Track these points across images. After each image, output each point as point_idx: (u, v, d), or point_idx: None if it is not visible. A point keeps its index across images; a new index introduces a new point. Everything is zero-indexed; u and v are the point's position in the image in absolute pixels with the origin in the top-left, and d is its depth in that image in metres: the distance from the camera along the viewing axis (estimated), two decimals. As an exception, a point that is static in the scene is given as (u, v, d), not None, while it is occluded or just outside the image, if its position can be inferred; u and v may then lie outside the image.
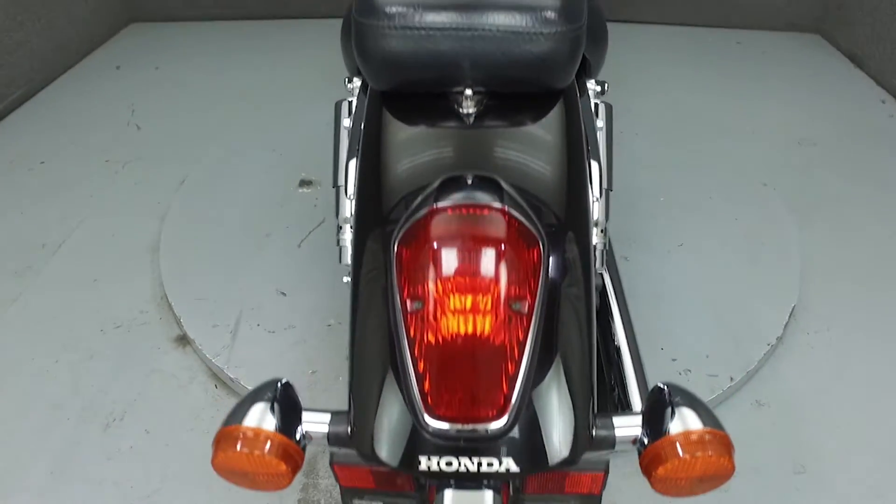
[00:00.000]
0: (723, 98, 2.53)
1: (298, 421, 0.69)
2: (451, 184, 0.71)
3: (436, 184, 0.72)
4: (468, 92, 0.82)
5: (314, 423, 0.70)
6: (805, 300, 1.69)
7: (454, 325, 0.64)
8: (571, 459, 0.66)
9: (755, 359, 1.51)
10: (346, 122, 1.12)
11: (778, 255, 1.78)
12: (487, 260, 0.65)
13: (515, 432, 0.64)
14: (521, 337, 0.65)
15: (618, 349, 1.15)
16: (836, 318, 1.66)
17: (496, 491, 0.67)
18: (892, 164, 2.18)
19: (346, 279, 1.13)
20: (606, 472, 0.72)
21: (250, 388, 1.41)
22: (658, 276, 1.71)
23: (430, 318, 0.64)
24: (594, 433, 0.69)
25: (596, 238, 0.97)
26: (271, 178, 2.04)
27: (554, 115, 0.85)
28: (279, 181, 2.03)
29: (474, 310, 0.64)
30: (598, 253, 0.99)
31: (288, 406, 0.69)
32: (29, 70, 2.47)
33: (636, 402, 1.06)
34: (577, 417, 0.67)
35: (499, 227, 0.67)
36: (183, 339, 1.60)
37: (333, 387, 1.45)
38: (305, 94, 2.49)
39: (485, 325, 0.64)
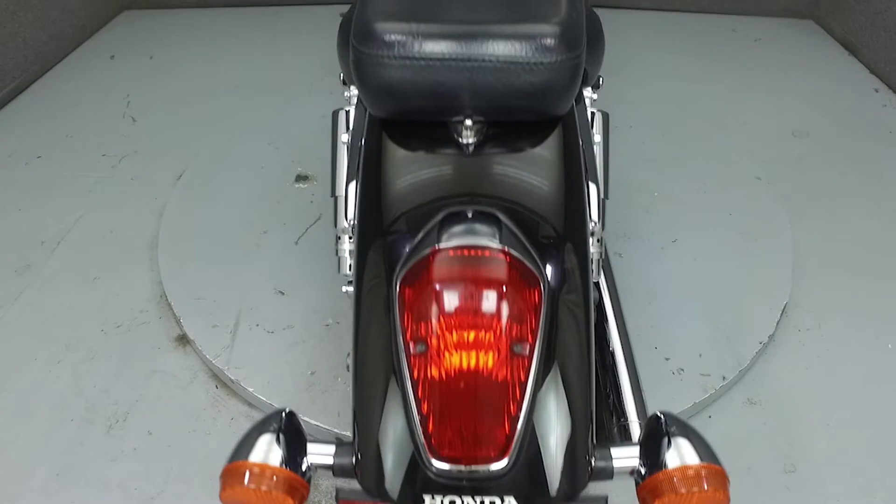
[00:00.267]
0: (717, 87, 2.53)
1: (303, 452, 0.71)
2: (453, 219, 0.72)
3: (438, 218, 0.73)
4: (468, 122, 0.83)
5: (319, 454, 0.72)
6: (796, 296, 1.71)
7: (457, 367, 0.66)
8: (572, 494, 0.68)
9: (747, 357, 1.54)
10: (345, 136, 1.12)
11: (770, 251, 1.80)
12: (489, 303, 0.67)
13: (517, 469, 0.66)
14: (522, 378, 0.67)
15: (613, 354, 1.17)
16: (828, 314, 1.69)
17: None
18: (885, 156, 2.19)
19: (345, 288, 1.15)
20: None
21: (251, 389, 1.46)
22: (652, 273, 1.73)
23: (434, 360, 0.66)
24: (593, 464, 0.71)
25: (592, 248, 0.99)
26: (268, 173, 2.05)
27: (552, 141, 0.86)
28: (276, 176, 2.04)
29: (477, 353, 0.66)
30: (594, 263, 1.01)
31: (293, 438, 0.71)
32: (23, 61, 2.45)
33: (631, 410, 1.08)
34: (576, 450, 0.69)
35: (500, 269, 0.68)
36: (183, 339, 1.62)
37: (332, 388, 1.47)
38: (302, 84, 2.48)
39: (487, 367, 0.66)
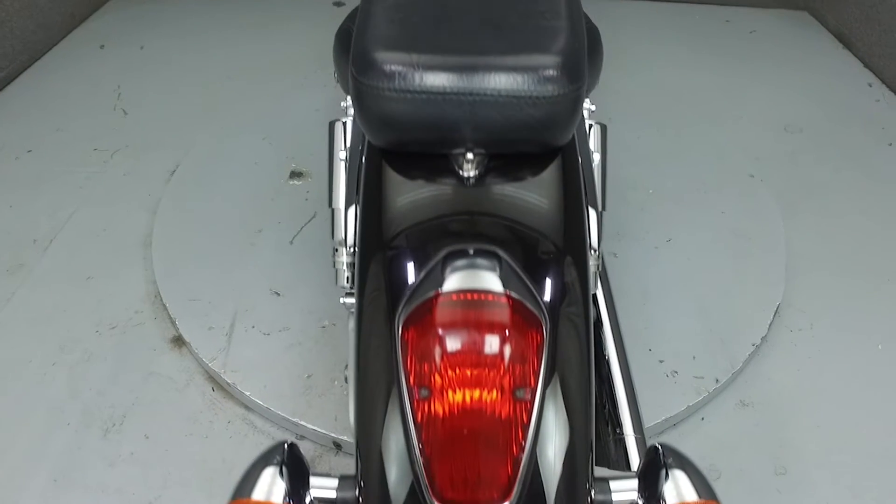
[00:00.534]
0: (711, 80, 2.53)
1: (306, 486, 0.72)
2: (455, 258, 0.72)
3: (440, 256, 0.73)
4: (469, 156, 0.83)
5: (322, 488, 0.73)
6: (789, 296, 1.73)
7: (460, 412, 0.66)
8: None
9: (740, 360, 1.56)
10: (342, 153, 1.11)
11: (764, 250, 1.81)
12: (492, 348, 0.67)
13: None
14: (525, 419, 0.67)
15: (608, 364, 1.18)
16: (820, 314, 1.71)
17: None
18: (878, 152, 2.21)
19: (343, 300, 1.15)
20: None
21: (247, 393, 1.46)
22: (646, 272, 1.74)
23: (437, 404, 0.67)
24: (593, 495, 0.72)
25: (591, 262, 0.99)
26: (262, 169, 2.04)
27: (553, 171, 0.86)
28: (270, 172, 2.03)
29: (480, 398, 0.66)
30: (591, 275, 1.01)
31: (296, 471, 0.71)
32: (10, 51, 2.41)
33: (627, 423, 1.09)
34: (577, 485, 0.70)
35: (502, 314, 0.69)
36: (178, 340, 1.62)
37: (329, 391, 1.48)
38: (296, 76, 2.46)
39: (490, 412, 0.67)
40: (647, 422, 1.43)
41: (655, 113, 2.30)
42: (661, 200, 1.95)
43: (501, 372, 0.67)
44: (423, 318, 0.70)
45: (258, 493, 0.68)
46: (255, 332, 1.58)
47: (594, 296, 1.21)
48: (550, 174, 0.86)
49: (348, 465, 1.41)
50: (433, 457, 0.67)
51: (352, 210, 0.98)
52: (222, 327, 1.59)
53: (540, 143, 0.84)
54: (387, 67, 0.78)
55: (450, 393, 0.67)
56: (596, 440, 1.13)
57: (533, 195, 0.83)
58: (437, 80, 0.77)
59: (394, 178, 0.85)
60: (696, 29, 2.85)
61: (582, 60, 0.80)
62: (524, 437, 0.67)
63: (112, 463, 1.40)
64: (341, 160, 1.11)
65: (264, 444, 1.44)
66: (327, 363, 1.53)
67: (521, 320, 0.69)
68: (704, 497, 0.67)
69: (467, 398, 0.67)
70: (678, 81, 2.51)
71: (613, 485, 0.73)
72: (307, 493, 0.72)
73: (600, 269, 1.13)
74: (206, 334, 1.57)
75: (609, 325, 1.19)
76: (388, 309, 0.75)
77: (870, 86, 2.51)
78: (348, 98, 1.24)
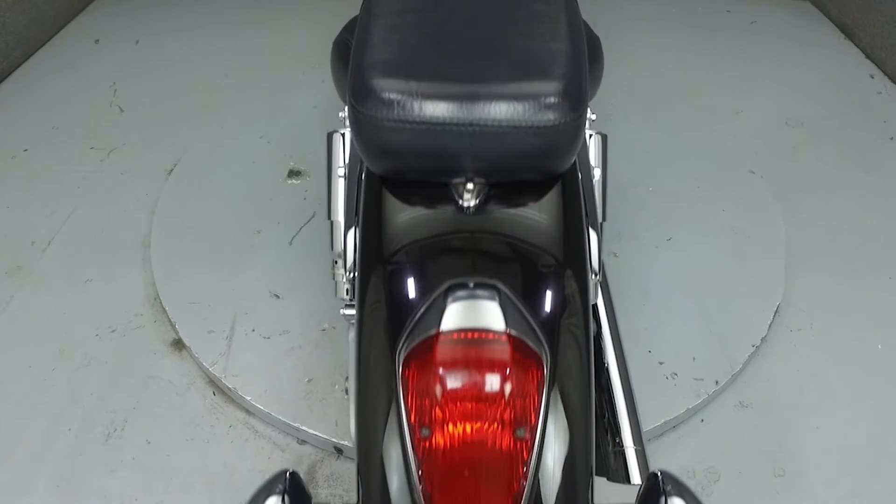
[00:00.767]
0: (712, 72, 2.51)
1: None
2: (455, 293, 0.72)
3: (441, 289, 0.73)
4: (469, 185, 0.82)
5: None
6: (789, 295, 1.73)
7: (460, 450, 0.67)
8: None
9: (740, 361, 1.56)
10: (341, 170, 1.10)
11: (764, 249, 1.81)
12: (492, 387, 0.67)
13: None
14: (525, 456, 0.68)
15: (608, 372, 1.18)
16: (820, 313, 1.71)
17: None
18: (878, 147, 2.20)
19: (343, 312, 1.15)
20: None
21: (248, 398, 1.46)
22: (646, 272, 1.74)
23: (438, 443, 0.67)
24: None
25: (591, 286, 0.99)
26: (260, 168, 2.02)
27: (553, 197, 0.85)
28: (268, 171, 2.01)
29: (480, 436, 0.66)
30: (591, 301, 1.01)
31: (298, 499, 0.71)
32: (4, 47, 2.38)
33: (627, 435, 1.10)
34: None
35: (502, 352, 0.69)
36: (178, 343, 1.62)
37: (330, 395, 1.48)
38: (293, 72, 2.44)
39: (490, 449, 0.67)
40: (648, 424, 1.44)
41: (655, 108, 2.28)
42: (661, 198, 1.95)
43: (502, 411, 0.67)
44: (424, 357, 0.70)
45: None
46: (256, 336, 1.58)
47: (594, 306, 1.21)
48: (551, 201, 0.85)
49: (349, 470, 1.42)
50: (434, 492, 0.67)
51: (351, 232, 0.97)
52: (222, 331, 1.59)
53: (541, 170, 0.83)
54: (385, 96, 0.77)
55: (450, 430, 0.67)
56: (595, 450, 1.13)
57: (533, 223, 0.82)
58: (437, 110, 0.76)
59: (393, 205, 0.84)
60: (696, 20, 2.82)
61: (584, 85, 0.79)
62: (525, 473, 0.67)
63: (114, 469, 1.40)
64: (340, 177, 1.10)
65: (265, 448, 1.44)
66: (327, 367, 1.53)
67: (522, 358, 0.69)
68: None
69: (468, 436, 0.67)
70: (678, 74, 2.49)
71: None
72: None
73: (600, 279, 1.12)
74: (206, 338, 1.57)
75: (609, 335, 1.19)
76: (388, 342, 0.75)
77: (871, 77, 2.49)
78: (346, 108, 1.22)
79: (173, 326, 1.62)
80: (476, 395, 0.67)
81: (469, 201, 0.82)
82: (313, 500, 0.74)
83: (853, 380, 1.58)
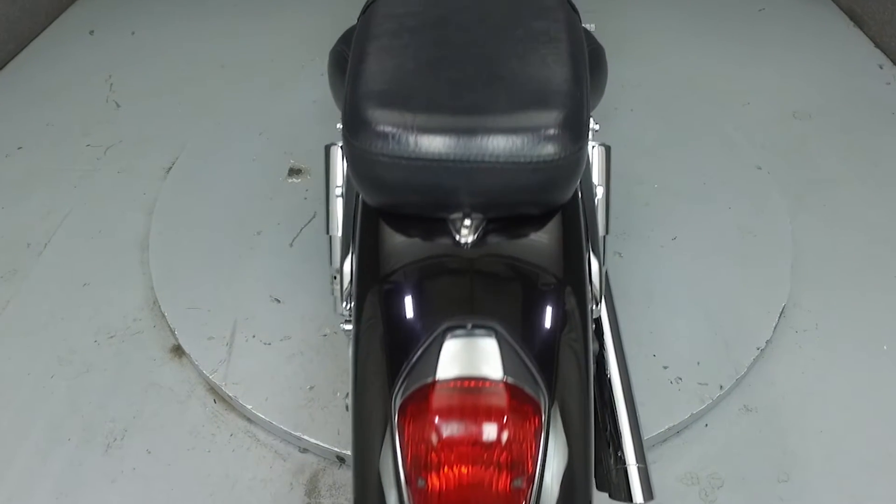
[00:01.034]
0: (719, 62, 2.46)
1: None
2: (452, 336, 0.70)
3: (438, 331, 0.71)
4: (467, 221, 0.79)
5: None
6: (795, 295, 1.71)
7: (457, 498, 0.65)
8: None
9: (745, 365, 1.54)
10: (338, 189, 1.07)
11: (770, 249, 1.78)
12: (489, 437, 0.66)
13: None
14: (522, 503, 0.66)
15: (611, 385, 1.16)
16: (826, 313, 1.68)
17: None
18: (887, 140, 2.16)
19: (343, 326, 1.13)
20: None
21: (249, 406, 1.45)
22: (651, 273, 1.72)
23: (434, 491, 0.66)
24: None
25: (595, 277, 0.97)
26: (260, 166, 1.99)
27: (553, 227, 0.83)
28: (268, 169, 1.99)
29: (477, 484, 0.65)
30: (591, 319, 0.99)
31: None
32: (-4, 40, 2.35)
33: (629, 452, 1.08)
34: None
35: (500, 401, 0.67)
36: (178, 349, 1.60)
37: (332, 403, 1.47)
38: (291, 65, 2.39)
39: (487, 498, 0.65)
40: (652, 431, 1.43)
41: (660, 101, 2.24)
42: (666, 195, 1.92)
43: (498, 459, 0.66)
44: (420, 406, 0.68)
45: None
46: (256, 342, 1.57)
47: (597, 319, 1.18)
48: (551, 233, 0.82)
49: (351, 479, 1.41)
50: None
51: (348, 260, 0.94)
52: (222, 337, 1.57)
53: (541, 204, 0.80)
54: (380, 129, 0.74)
55: (447, 479, 0.66)
56: (598, 464, 1.12)
57: (532, 257, 0.80)
58: (433, 144, 0.73)
59: (390, 239, 0.82)
60: (702, 6, 2.76)
61: (585, 114, 0.76)
62: None
63: (114, 479, 1.40)
64: (337, 196, 1.07)
65: (267, 457, 1.44)
66: (329, 374, 1.51)
67: (519, 406, 0.68)
68: None
69: (464, 484, 0.66)
70: (684, 65, 2.44)
71: None
72: None
73: (603, 290, 1.10)
74: (206, 345, 1.56)
75: (612, 348, 1.16)
76: (384, 383, 0.73)
77: (881, 67, 2.45)
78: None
79: (172, 332, 1.60)
80: (473, 443, 0.66)
81: (466, 237, 0.79)
82: None
83: (858, 382, 1.56)
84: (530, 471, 0.68)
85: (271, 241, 1.78)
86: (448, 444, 0.66)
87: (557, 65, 0.79)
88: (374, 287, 0.80)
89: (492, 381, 0.68)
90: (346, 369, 1.53)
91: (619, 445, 1.10)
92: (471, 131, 0.73)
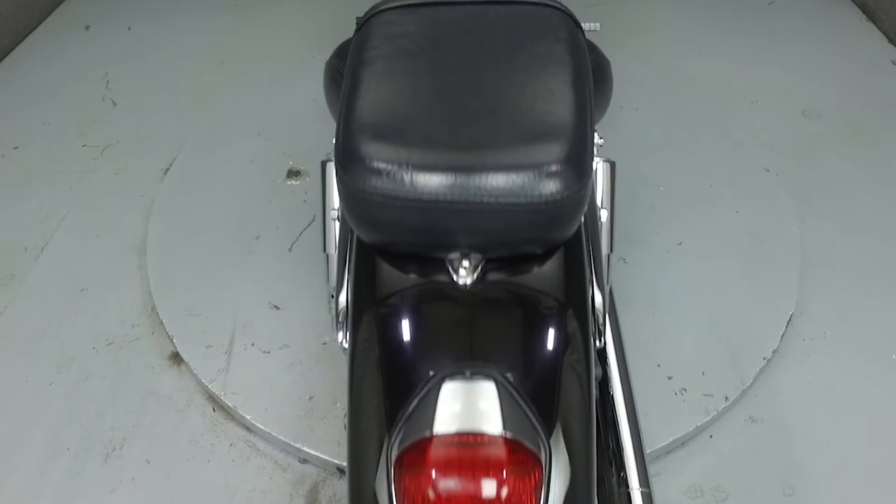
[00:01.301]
0: (727, 61, 2.41)
1: None
2: (450, 386, 0.68)
3: (435, 379, 0.68)
4: (465, 262, 0.76)
5: None
6: (803, 302, 1.68)
7: None
8: None
9: (751, 375, 1.52)
10: (335, 212, 1.04)
11: (777, 255, 1.75)
12: (488, 494, 0.64)
13: None
14: None
15: (615, 406, 1.14)
16: (834, 321, 1.66)
17: None
18: (898, 141, 2.12)
19: (343, 344, 1.11)
20: None
21: (248, 416, 1.43)
22: (656, 280, 1.69)
23: None
24: None
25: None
26: (258, 168, 1.96)
27: (555, 266, 0.80)
28: (267, 171, 1.96)
29: None
30: (598, 317, 0.96)
31: None
32: (-9, 36, 2.31)
33: (633, 477, 1.06)
34: None
35: (498, 456, 0.65)
36: (177, 357, 1.58)
37: (331, 413, 1.45)
38: (290, 62, 2.36)
39: None
40: (656, 443, 1.41)
41: (666, 99, 2.20)
42: (671, 198, 1.88)
43: None
44: (416, 461, 0.66)
45: None
46: (255, 351, 1.55)
47: (602, 337, 1.16)
48: (553, 272, 0.79)
49: (352, 491, 1.40)
50: None
51: (343, 293, 0.92)
52: (221, 345, 1.55)
53: (543, 243, 0.77)
54: (374, 165, 0.70)
55: None
56: (600, 485, 1.10)
57: (534, 298, 0.77)
58: (429, 184, 0.69)
59: (386, 278, 0.79)
60: (713, 3, 2.70)
61: (588, 149, 0.72)
62: None
63: (113, 490, 1.38)
64: (333, 219, 1.04)
65: (267, 468, 1.42)
66: (328, 384, 1.50)
67: (519, 460, 0.66)
68: None
69: None
70: (690, 62, 2.39)
71: None
72: None
73: (607, 314, 1.07)
74: (205, 353, 1.54)
75: (616, 367, 1.14)
76: (380, 431, 0.71)
77: (893, 64, 2.40)
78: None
79: (171, 339, 1.58)
80: (471, 499, 0.64)
81: (465, 278, 0.76)
82: None
83: (866, 391, 1.54)
84: None
85: (270, 245, 1.76)
86: (446, 499, 0.64)
87: (560, 94, 0.75)
88: (370, 327, 0.77)
89: (490, 437, 0.66)
90: (344, 379, 1.51)
91: (621, 466, 1.08)
92: (468, 169, 0.70)
